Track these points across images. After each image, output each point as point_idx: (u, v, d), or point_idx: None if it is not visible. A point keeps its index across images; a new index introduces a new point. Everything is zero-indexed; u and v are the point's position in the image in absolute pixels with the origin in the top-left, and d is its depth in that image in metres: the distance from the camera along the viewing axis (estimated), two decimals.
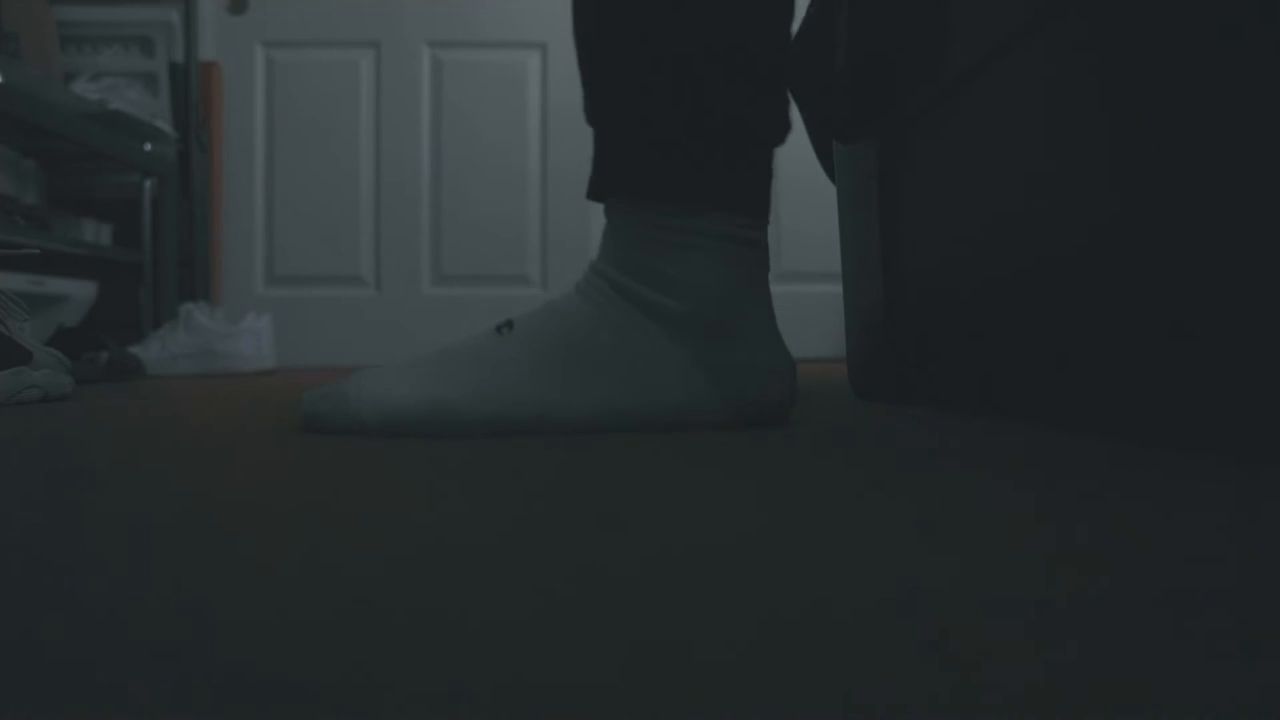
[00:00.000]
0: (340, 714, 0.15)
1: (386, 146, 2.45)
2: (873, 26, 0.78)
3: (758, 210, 0.64)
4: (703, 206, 0.62)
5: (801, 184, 2.20)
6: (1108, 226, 0.51)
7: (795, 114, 0.91)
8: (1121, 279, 0.50)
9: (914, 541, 0.28)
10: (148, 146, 2.06)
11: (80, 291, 1.93)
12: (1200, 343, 0.44)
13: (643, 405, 0.60)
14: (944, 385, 0.74)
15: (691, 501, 0.35)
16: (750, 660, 0.18)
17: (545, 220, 2.45)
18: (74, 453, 0.53)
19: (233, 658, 0.18)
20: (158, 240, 2.10)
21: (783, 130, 0.65)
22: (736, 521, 0.31)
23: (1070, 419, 0.56)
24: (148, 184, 2.07)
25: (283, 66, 2.46)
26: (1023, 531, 0.29)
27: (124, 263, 2.03)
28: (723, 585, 0.23)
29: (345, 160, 2.45)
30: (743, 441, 0.54)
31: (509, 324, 0.62)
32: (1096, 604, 0.21)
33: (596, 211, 2.30)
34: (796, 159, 1.15)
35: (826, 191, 1.01)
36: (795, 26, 0.69)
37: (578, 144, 2.17)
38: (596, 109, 0.65)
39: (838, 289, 1.00)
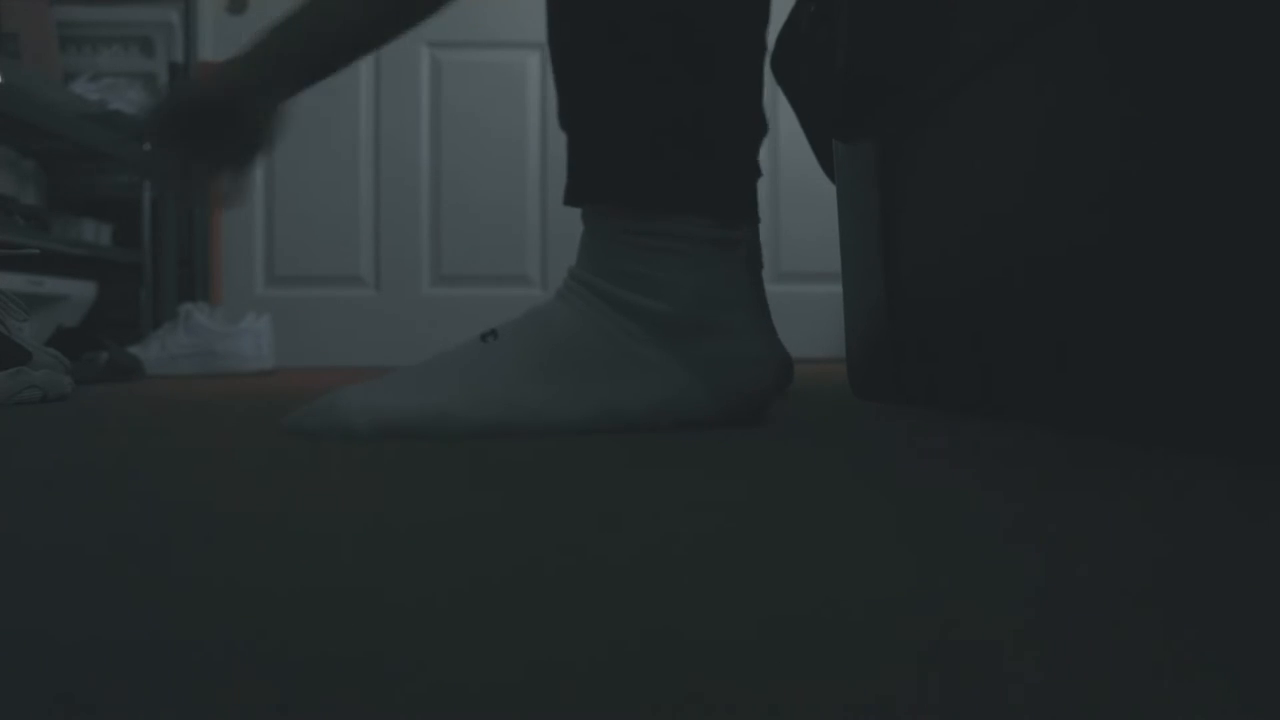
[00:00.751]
0: (349, 703, 0.15)
1: (386, 146, 2.45)
2: (873, 27, 0.78)
3: (735, 211, 0.64)
4: (674, 211, 0.61)
5: (801, 184, 2.19)
6: (1107, 226, 0.51)
7: (795, 115, 0.91)
8: (1121, 279, 0.50)
9: (913, 541, 0.28)
10: (148, 147, 2.06)
11: (80, 292, 1.93)
12: (1200, 343, 0.44)
13: (634, 404, 0.60)
14: (944, 385, 0.74)
15: (691, 502, 0.35)
16: (748, 651, 0.18)
17: (545, 221, 2.45)
18: (73, 453, 0.53)
19: (232, 657, 0.18)
20: (157, 240, 2.10)
21: (758, 131, 0.65)
22: (736, 521, 0.31)
23: (1070, 419, 0.56)
24: (147, 184, 2.07)
25: None
26: (1006, 530, 0.29)
27: (123, 263, 2.03)
28: (722, 584, 0.23)
29: (345, 160, 2.45)
30: (740, 441, 0.54)
31: (493, 333, 0.62)
32: (1094, 604, 0.21)
33: None
34: (796, 159, 1.15)
35: (826, 191, 1.01)
36: (775, 28, 0.69)
37: None
38: (568, 114, 0.65)
39: (838, 289, 1.00)
